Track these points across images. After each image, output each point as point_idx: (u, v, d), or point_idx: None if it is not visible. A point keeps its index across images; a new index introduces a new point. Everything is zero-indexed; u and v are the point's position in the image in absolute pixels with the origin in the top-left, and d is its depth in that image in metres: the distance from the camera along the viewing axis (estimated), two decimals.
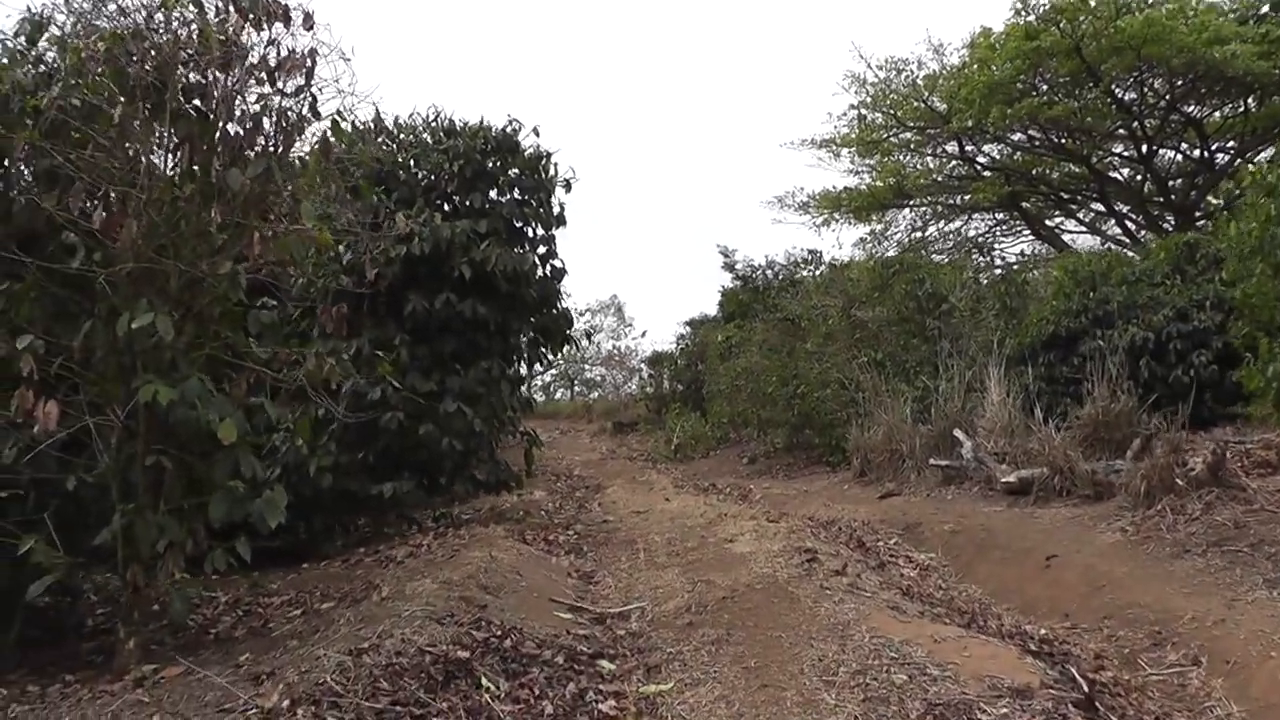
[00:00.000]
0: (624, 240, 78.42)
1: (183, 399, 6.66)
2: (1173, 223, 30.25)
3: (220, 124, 7.37)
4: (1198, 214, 30.55)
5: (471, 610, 7.51)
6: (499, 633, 6.98)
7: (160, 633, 7.80)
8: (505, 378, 13.64)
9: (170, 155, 7.40)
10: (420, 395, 12.28)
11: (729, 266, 33.20)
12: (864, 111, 31.60)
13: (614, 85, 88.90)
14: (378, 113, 13.65)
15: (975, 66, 29.15)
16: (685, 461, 24.62)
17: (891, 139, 32.01)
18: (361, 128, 13.42)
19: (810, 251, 32.81)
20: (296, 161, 7.84)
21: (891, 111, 31.16)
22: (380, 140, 13.73)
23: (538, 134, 14.23)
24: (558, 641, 7.22)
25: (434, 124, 14.43)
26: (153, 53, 7.09)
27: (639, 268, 77.63)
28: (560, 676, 6.46)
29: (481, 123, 14.15)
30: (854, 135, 32.03)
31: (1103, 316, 17.40)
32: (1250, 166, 13.36)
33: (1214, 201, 31.65)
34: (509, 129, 14.07)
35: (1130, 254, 21.28)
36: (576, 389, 42.67)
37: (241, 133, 7.43)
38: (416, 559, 10.31)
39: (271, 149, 7.55)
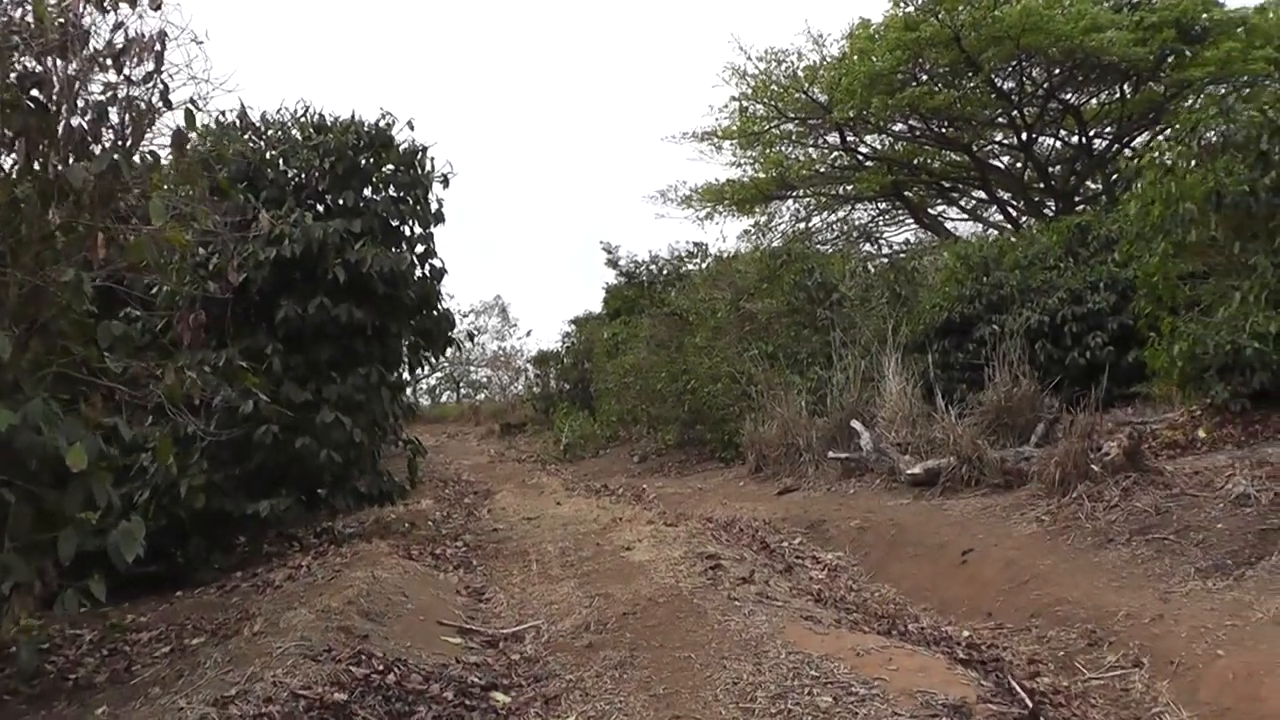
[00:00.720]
0: (506, 240, 77.55)
1: (25, 423, 5.73)
2: (1053, 208, 30.24)
3: (61, 115, 6.45)
4: (1078, 199, 30.59)
5: (351, 642, 6.67)
6: (381, 667, 6.14)
7: (12, 680, 6.83)
8: (385, 384, 12.72)
9: (5, 151, 6.48)
10: (295, 406, 11.38)
11: (613, 263, 32.65)
12: (745, 103, 31.15)
13: (489, 81, 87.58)
14: (243, 107, 12.85)
15: (856, 57, 28.85)
16: (575, 462, 23.87)
17: (773, 130, 31.58)
18: (224, 122, 12.60)
19: (695, 244, 32.29)
20: (148, 156, 6.94)
21: (773, 103, 30.75)
22: (247, 137, 12.85)
23: (412, 128, 13.41)
24: (447, 673, 6.39)
25: (303, 119, 13.47)
26: None
27: (522, 267, 76.75)
28: (450, 714, 5.65)
29: (353, 117, 13.22)
30: (735, 127, 31.56)
31: (997, 301, 17.02)
32: (1154, 144, 12.91)
33: (1093, 186, 31.77)
34: (382, 123, 13.16)
35: (1018, 237, 20.92)
36: (463, 391, 41.77)
37: (85, 125, 6.53)
38: (296, 582, 9.42)
39: (119, 142, 6.67)
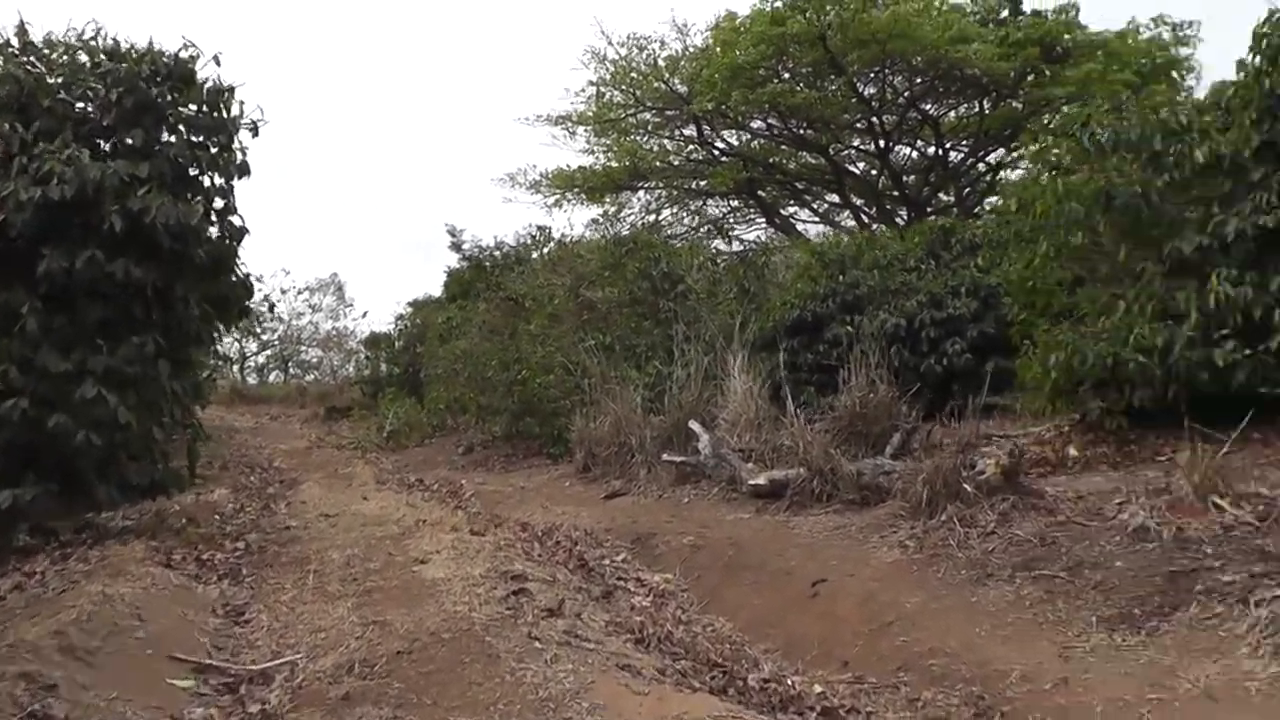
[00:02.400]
0: (350, 218, 73.71)
1: None
2: (905, 217, 29.37)
3: None
4: (930, 210, 29.77)
5: (32, 693, 4.82)
6: None
7: None
8: (165, 355, 10.70)
9: None
10: (54, 377, 9.40)
11: (456, 246, 30.86)
12: (603, 89, 29.63)
13: (332, 55, 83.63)
14: (22, 23, 10.90)
15: (719, 49, 27.56)
16: (398, 450, 21.99)
17: (630, 119, 30.09)
18: None
19: (539, 228, 30.42)
20: None
21: (631, 90, 29.30)
22: (27, 60, 10.84)
23: (219, 63, 11.31)
24: None
25: (93, 43, 11.39)
26: None
27: (366, 247, 73.11)
28: None
29: (151, 46, 11.21)
30: (591, 113, 29.93)
31: (852, 301, 15.66)
32: (1040, 139, 11.62)
33: (945, 198, 31.04)
34: (184, 54, 11.17)
35: (878, 237, 19.70)
36: (291, 371, 39.32)
37: None
38: (23, 593, 7.55)
39: None
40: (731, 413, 12.56)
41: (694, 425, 12.80)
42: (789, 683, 5.83)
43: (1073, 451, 10.17)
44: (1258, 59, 10.18)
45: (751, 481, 10.50)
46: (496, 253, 29.83)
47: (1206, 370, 9.23)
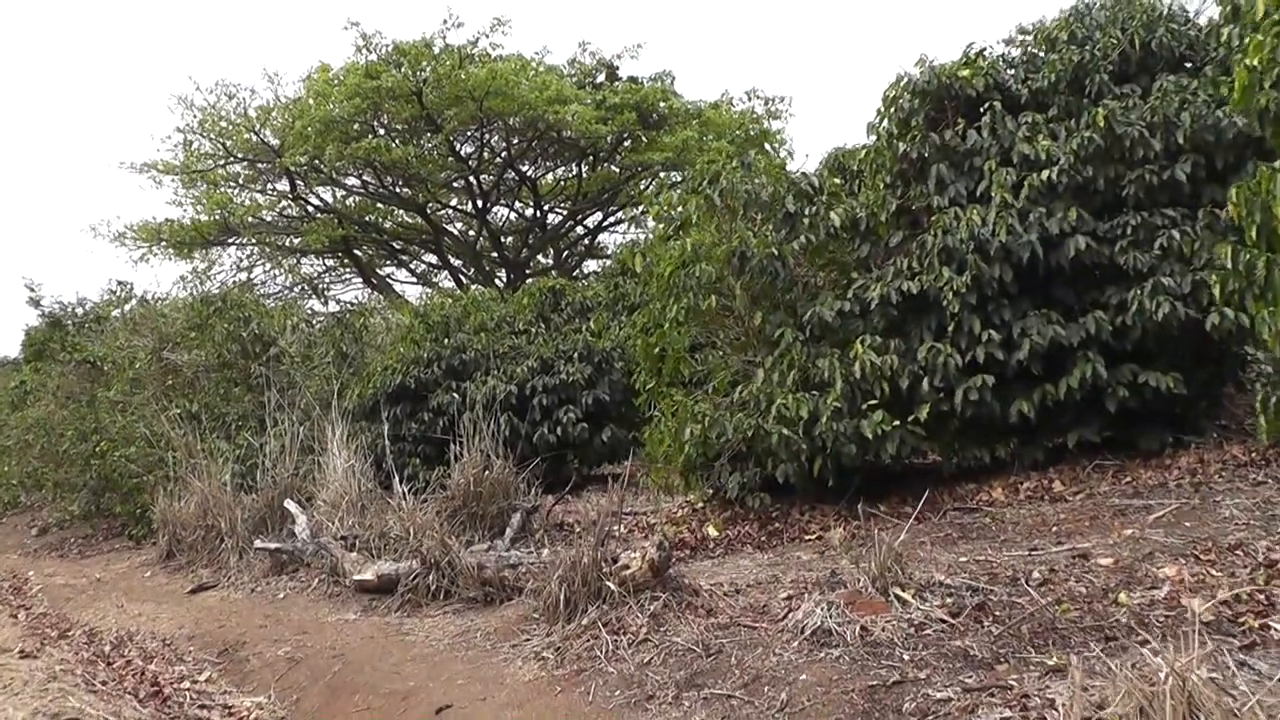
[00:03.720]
0: None
1: None
2: (504, 279, 28.48)
3: None
4: (529, 271, 29.05)
5: None
6: None
7: None
8: None
9: None
10: None
11: (35, 302, 27.30)
12: (190, 137, 27.21)
13: None
14: None
15: (313, 101, 25.83)
16: None
17: (220, 170, 27.78)
18: None
19: (120, 284, 27.38)
20: None
21: (220, 140, 27.08)
22: None
23: None
24: None
25: None
26: None
27: None
28: None
29: None
30: (178, 162, 27.37)
31: (459, 367, 14.36)
32: (663, 196, 10.70)
33: (544, 261, 30.42)
34: None
35: (483, 297, 18.49)
36: None
37: None
38: None
39: None
40: (332, 492, 10.91)
41: (290, 506, 11.12)
42: None
43: (712, 532, 9.23)
44: (886, 123, 9.70)
45: (357, 576, 8.89)
46: (79, 309, 26.69)
47: (854, 442, 8.48)
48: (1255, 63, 5.82)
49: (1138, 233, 8.82)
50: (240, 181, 28.50)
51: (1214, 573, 5.93)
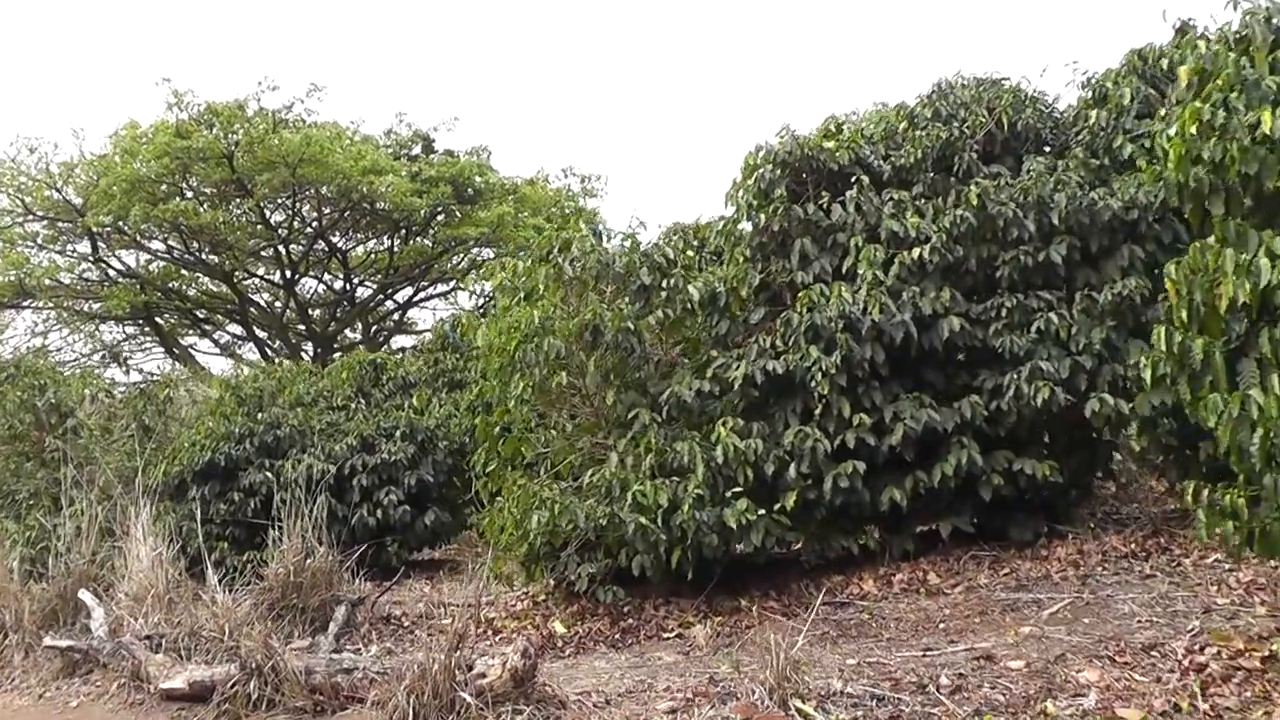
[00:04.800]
0: None
1: None
2: (312, 351, 27.25)
3: None
4: (336, 345, 27.87)
5: None
6: None
7: None
8: None
9: None
10: None
11: None
12: None
13: None
14: None
15: (119, 158, 24.29)
16: None
17: (17, 228, 25.81)
18: None
19: None
20: None
21: (19, 196, 25.17)
22: None
23: None
24: None
25: None
26: None
27: None
28: None
29: None
30: None
31: (273, 443, 13.24)
32: (506, 263, 10.00)
33: (352, 335, 29.30)
34: None
35: (297, 371, 17.38)
36: None
37: None
38: None
39: None
40: (135, 584, 9.68)
41: (85, 597, 9.87)
42: None
43: (560, 629, 8.44)
44: (743, 194, 9.24)
45: (165, 684, 7.74)
46: None
47: (716, 532, 7.84)
48: (1193, 130, 5.48)
49: (1012, 315, 8.46)
50: (39, 241, 26.49)
51: (1138, 677, 5.45)
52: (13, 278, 25.62)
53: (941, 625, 7.32)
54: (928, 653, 6.52)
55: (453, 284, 29.26)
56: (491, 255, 26.06)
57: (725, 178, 9.55)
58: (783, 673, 5.53)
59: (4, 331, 27.75)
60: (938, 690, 5.59)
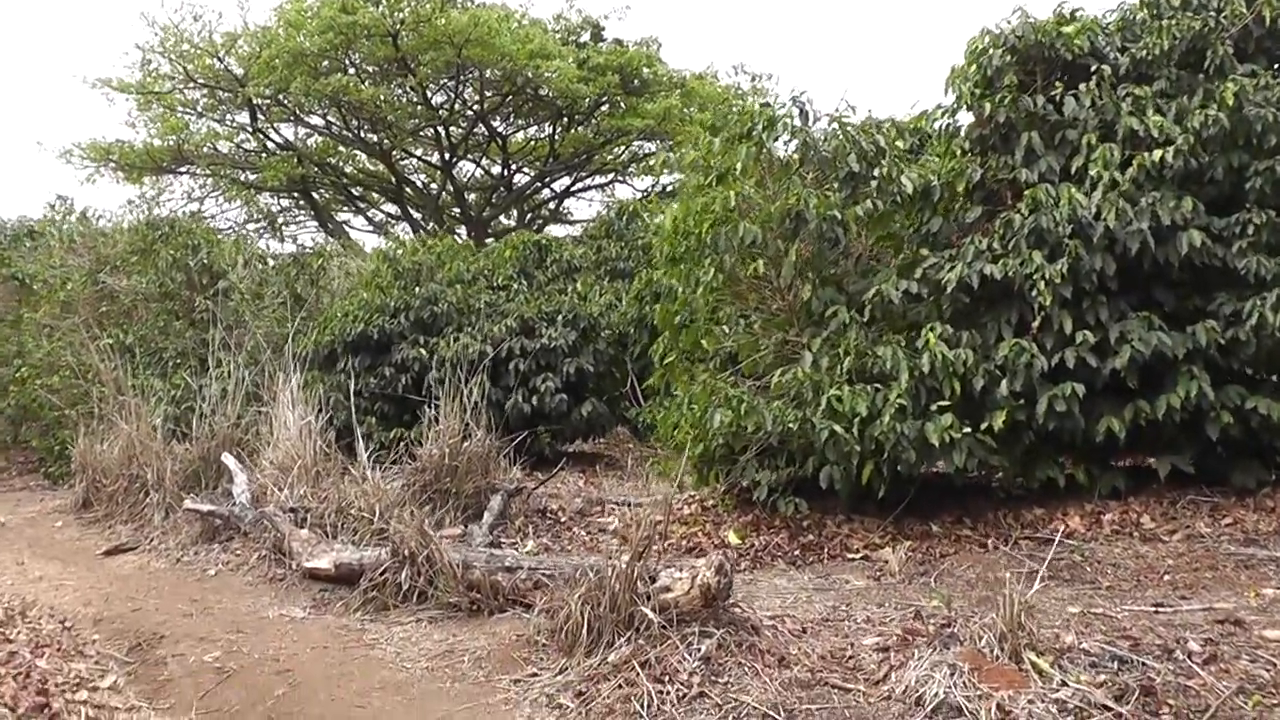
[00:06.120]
0: None
1: None
2: (464, 235, 26.58)
3: None
4: (490, 231, 27.14)
5: None
6: None
7: None
8: None
9: None
10: None
11: None
12: (150, 56, 24.90)
13: None
14: None
15: (283, 30, 23.74)
16: None
17: (178, 94, 25.45)
18: None
19: (60, 198, 25.06)
20: None
21: (182, 63, 24.76)
22: None
23: None
24: None
25: None
26: None
27: None
28: None
29: None
30: (134, 82, 25.04)
31: (429, 320, 12.47)
32: (700, 140, 8.84)
33: (506, 222, 28.59)
34: None
35: (462, 246, 16.62)
36: None
37: None
38: None
39: None
40: (281, 452, 9.01)
41: (229, 461, 9.29)
42: None
43: (733, 539, 7.51)
44: (965, 82, 7.98)
45: (309, 563, 7.03)
46: (12, 223, 24.39)
47: (916, 448, 6.78)
48: None
49: (1260, 233, 7.20)
50: (199, 109, 26.18)
51: None
52: (171, 143, 25.38)
53: (1167, 578, 6.25)
54: (1159, 609, 5.47)
55: (611, 175, 28.32)
56: (654, 149, 25.04)
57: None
58: (1016, 618, 4.50)
59: (161, 194, 27.65)
60: (1188, 658, 4.54)
